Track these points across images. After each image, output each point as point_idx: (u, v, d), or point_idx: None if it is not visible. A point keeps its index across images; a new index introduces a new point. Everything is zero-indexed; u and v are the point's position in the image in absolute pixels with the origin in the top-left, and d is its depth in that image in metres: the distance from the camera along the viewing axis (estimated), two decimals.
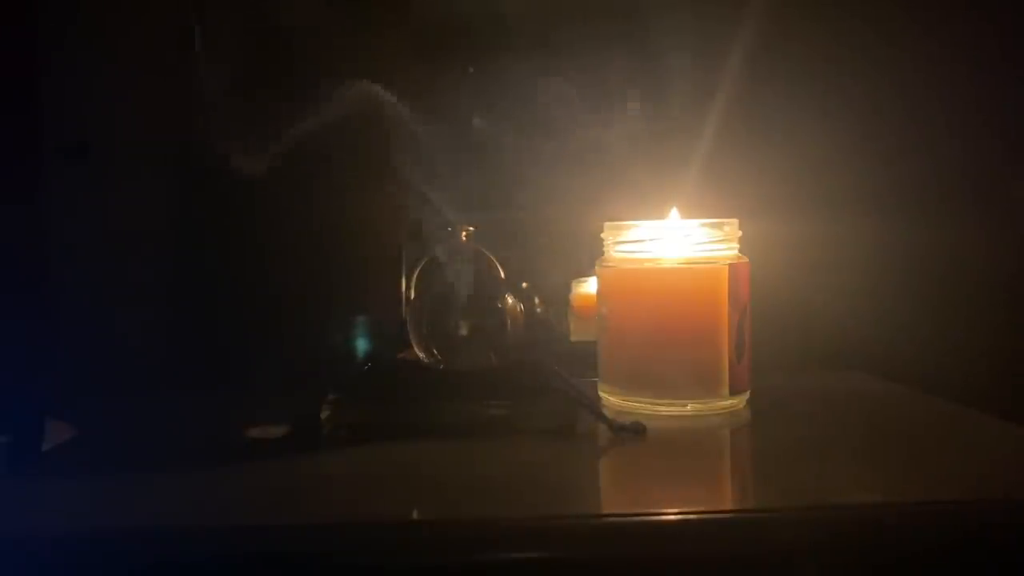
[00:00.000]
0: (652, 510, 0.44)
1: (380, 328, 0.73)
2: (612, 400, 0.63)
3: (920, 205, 0.79)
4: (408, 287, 0.70)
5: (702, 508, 0.44)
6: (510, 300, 0.62)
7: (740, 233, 0.63)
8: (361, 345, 0.75)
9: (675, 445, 0.56)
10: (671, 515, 0.43)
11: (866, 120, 0.79)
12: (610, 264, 0.64)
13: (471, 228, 0.70)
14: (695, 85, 0.81)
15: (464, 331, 0.61)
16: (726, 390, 0.61)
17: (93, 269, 0.75)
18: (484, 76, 0.83)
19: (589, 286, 0.74)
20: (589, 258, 0.67)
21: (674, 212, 0.64)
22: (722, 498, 0.50)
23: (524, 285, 0.66)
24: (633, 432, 0.56)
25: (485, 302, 0.62)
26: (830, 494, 0.46)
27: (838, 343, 0.77)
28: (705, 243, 0.62)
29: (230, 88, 0.78)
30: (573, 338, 0.76)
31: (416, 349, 0.63)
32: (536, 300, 0.66)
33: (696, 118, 0.79)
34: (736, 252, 0.63)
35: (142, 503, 0.47)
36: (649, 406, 0.61)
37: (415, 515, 0.46)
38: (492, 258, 0.68)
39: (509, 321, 0.61)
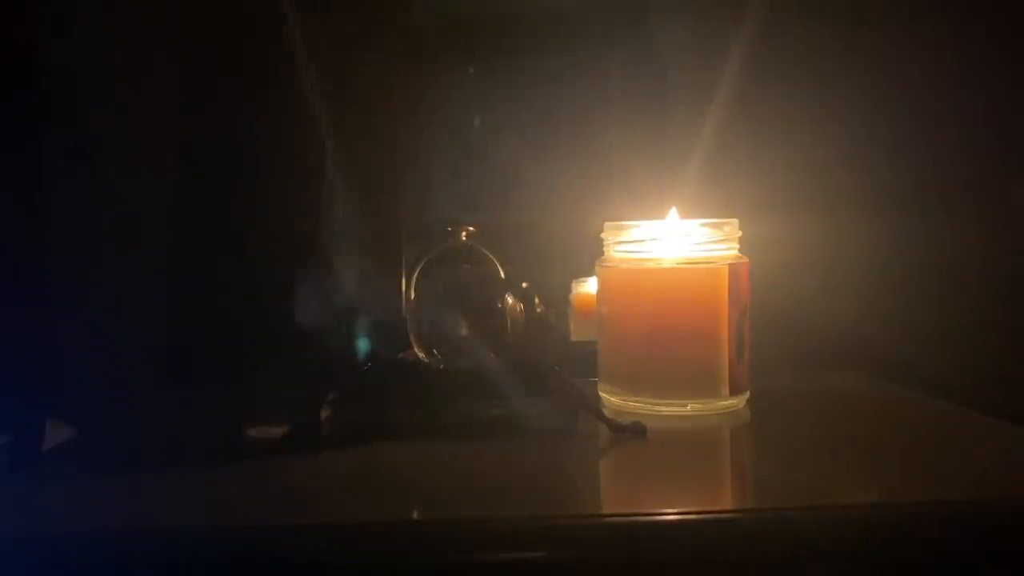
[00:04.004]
0: (652, 510, 0.44)
1: (380, 328, 0.73)
2: (612, 400, 0.63)
3: (920, 205, 0.79)
4: (408, 287, 0.70)
5: (702, 508, 0.44)
6: (510, 300, 0.62)
7: (740, 233, 0.63)
8: (361, 345, 0.75)
9: (675, 445, 0.56)
10: (671, 515, 0.43)
11: (866, 120, 0.79)
12: (610, 264, 0.64)
13: (471, 228, 0.70)
14: (695, 85, 0.81)
15: (464, 331, 0.61)
16: (726, 390, 0.61)
17: (93, 269, 0.75)
18: (484, 76, 0.83)
19: (589, 286, 0.74)
20: (589, 258, 0.67)
21: (673, 212, 0.64)
22: (722, 498, 0.50)
23: (524, 285, 0.66)
24: (633, 432, 0.56)
25: (485, 302, 0.61)
26: (830, 494, 0.46)
27: (838, 343, 0.76)
28: (705, 243, 0.62)
29: (232, 89, 0.78)
30: (573, 338, 0.76)
31: (416, 349, 0.63)
32: (536, 300, 0.66)
33: (696, 118, 0.79)
34: (736, 252, 0.63)
35: (142, 503, 0.47)
36: (649, 406, 0.61)
37: (415, 515, 0.46)
38: (492, 258, 0.68)
39: (509, 321, 0.61)
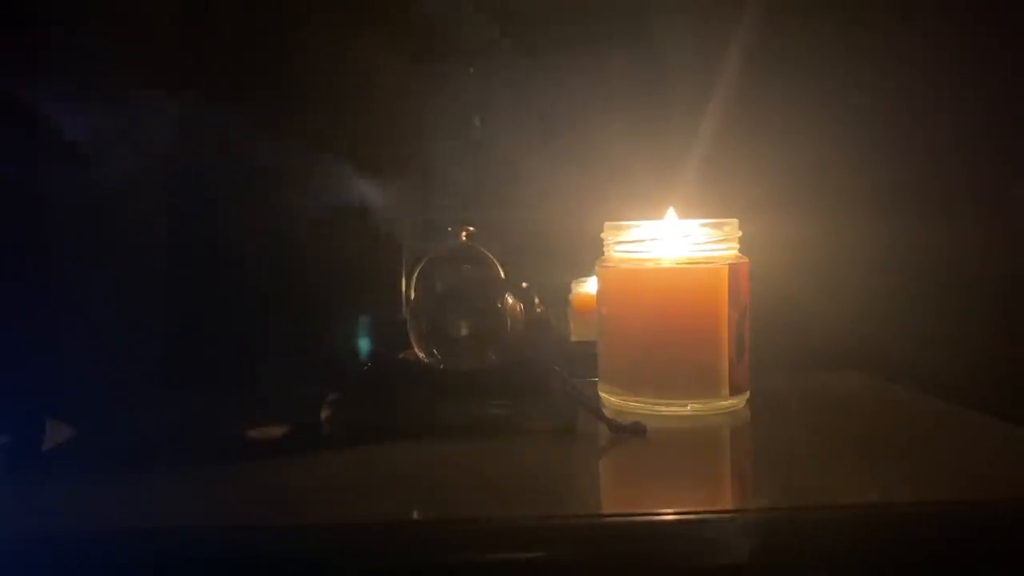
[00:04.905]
0: (652, 510, 0.44)
1: (380, 328, 0.73)
2: (612, 400, 0.63)
3: (920, 205, 0.79)
4: (408, 287, 0.70)
5: (702, 508, 0.44)
6: (510, 300, 0.62)
7: (740, 233, 0.63)
8: (361, 345, 0.75)
9: (675, 445, 0.56)
10: (671, 515, 0.43)
11: (866, 120, 0.79)
12: (610, 264, 0.64)
13: (471, 228, 0.70)
14: (695, 85, 0.81)
15: (464, 331, 0.61)
16: (726, 390, 0.61)
17: (93, 269, 0.74)
18: (484, 76, 0.83)
19: (589, 286, 0.74)
20: (589, 258, 0.67)
21: (671, 212, 0.64)
22: (722, 498, 0.50)
23: (524, 285, 0.66)
24: (633, 432, 0.56)
25: (485, 302, 0.61)
26: (830, 494, 0.46)
27: (838, 343, 0.76)
28: (705, 243, 0.62)
29: (232, 89, 0.78)
30: (573, 338, 0.76)
31: (416, 349, 0.63)
32: (536, 300, 0.66)
33: (696, 117, 0.79)
34: (736, 252, 0.63)
35: (142, 503, 0.47)
36: (649, 406, 0.61)
37: (415, 515, 0.46)
38: (492, 258, 0.68)
39: (509, 321, 0.61)
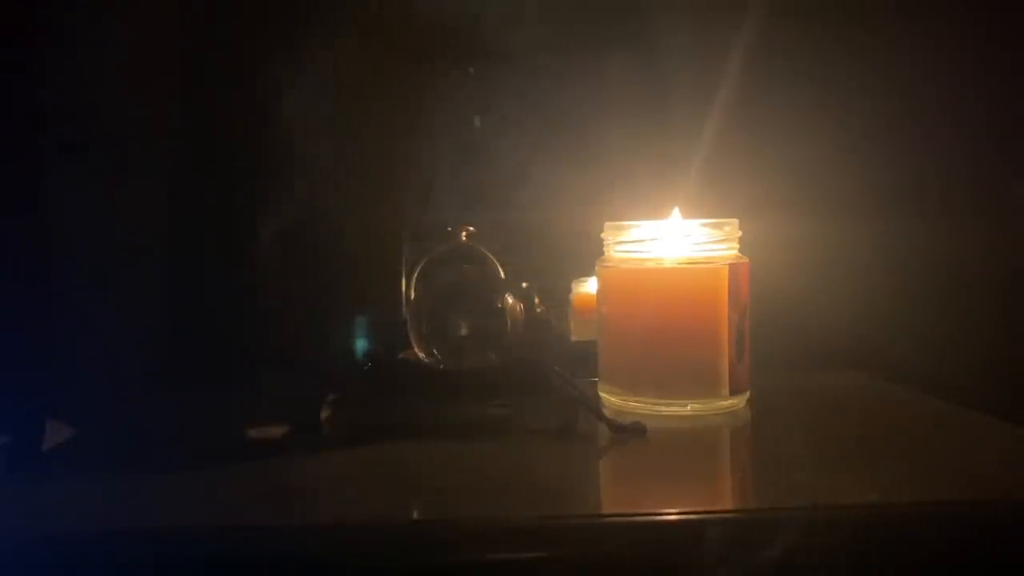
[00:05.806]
0: (652, 510, 0.44)
1: (380, 328, 0.73)
2: (612, 400, 0.63)
3: (920, 205, 0.79)
4: (408, 287, 0.70)
5: (702, 508, 0.44)
6: (510, 300, 0.62)
7: (740, 233, 0.63)
8: (361, 345, 0.75)
9: (675, 445, 0.56)
10: (671, 515, 0.43)
11: (866, 120, 0.79)
12: (610, 264, 0.64)
13: (471, 228, 0.70)
14: (695, 85, 0.81)
15: (464, 331, 0.61)
16: (726, 390, 0.61)
17: (93, 269, 0.75)
18: (484, 76, 0.83)
19: (589, 286, 0.74)
20: (589, 258, 0.67)
21: (676, 212, 0.64)
22: (722, 498, 0.50)
23: (524, 285, 0.66)
24: (633, 432, 0.56)
25: (485, 302, 0.61)
26: (830, 494, 0.46)
27: (838, 343, 0.76)
28: (705, 243, 0.62)
29: (232, 89, 0.78)
30: (573, 338, 0.76)
31: (416, 349, 0.63)
32: (536, 300, 0.66)
33: (696, 118, 0.79)
34: (736, 252, 0.63)
35: (142, 503, 0.47)
36: (649, 406, 0.61)
37: (415, 515, 0.46)
38: (492, 258, 0.68)
39: (509, 321, 0.61)
